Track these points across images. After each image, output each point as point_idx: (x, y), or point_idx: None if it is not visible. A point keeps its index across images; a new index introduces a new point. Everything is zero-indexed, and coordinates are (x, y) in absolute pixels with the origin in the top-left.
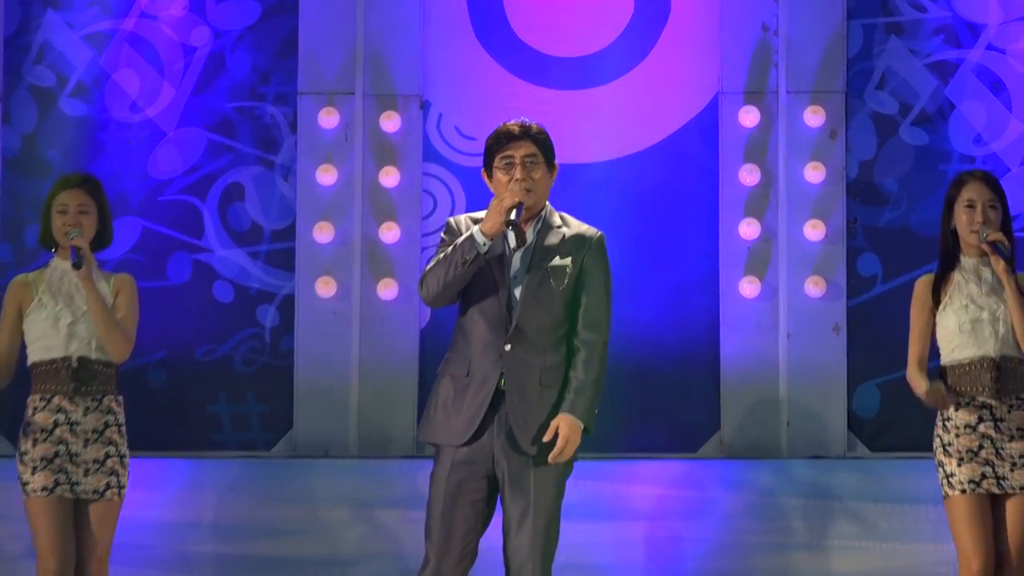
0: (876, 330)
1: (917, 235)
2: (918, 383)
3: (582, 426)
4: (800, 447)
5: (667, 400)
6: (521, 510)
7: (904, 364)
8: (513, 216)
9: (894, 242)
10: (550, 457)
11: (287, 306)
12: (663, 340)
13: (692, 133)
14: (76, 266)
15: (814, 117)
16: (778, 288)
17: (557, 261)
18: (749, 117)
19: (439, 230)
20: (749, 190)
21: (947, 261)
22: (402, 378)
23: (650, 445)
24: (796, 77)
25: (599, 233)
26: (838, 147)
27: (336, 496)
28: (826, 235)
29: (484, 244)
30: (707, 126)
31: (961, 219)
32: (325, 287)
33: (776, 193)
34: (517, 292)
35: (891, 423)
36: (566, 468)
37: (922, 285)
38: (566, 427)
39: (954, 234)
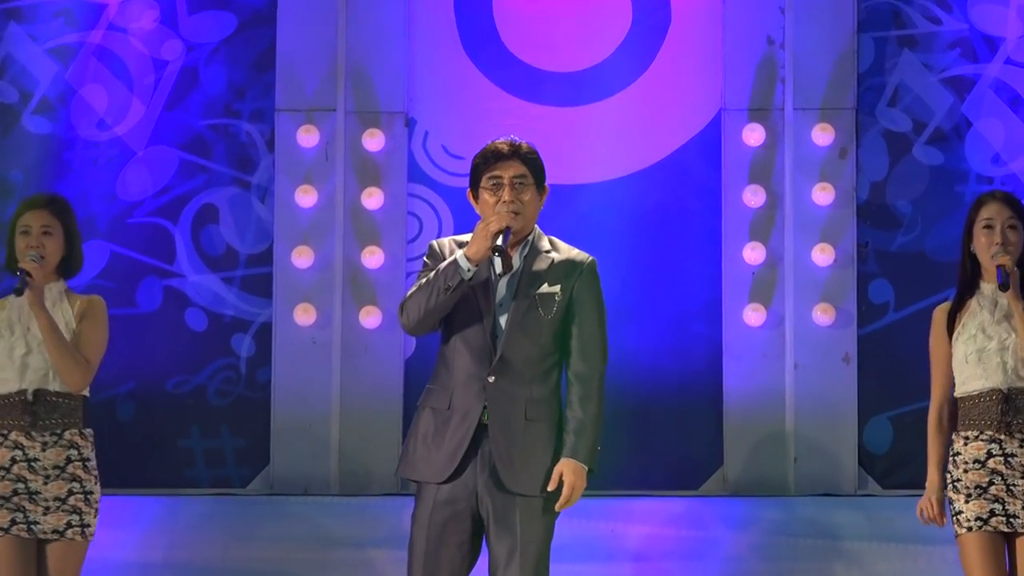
0: (888, 360)
1: (932, 260)
2: (930, 462)
3: (586, 469)
4: (808, 484)
5: (667, 434)
6: (508, 550)
7: (918, 396)
8: (500, 241)
9: (907, 267)
10: (557, 506)
11: (264, 335)
12: (663, 370)
13: (693, 152)
14: (17, 292)
15: (822, 135)
16: (784, 316)
17: (545, 288)
18: (754, 135)
19: (423, 256)
20: (754, 212)
21: (965, 287)
22: (385, 411)
23: (648, 481)
24: (803, 93)
25: (590, 258)
26: (848, 167)
27: (315, 536)
28: (835, 260)
29: (468, 270)
30: (709, 145)
31: (980, 241)
32: (304, 315)
33: (782, 215)
34: (502, 320)
35: (904, 459)
36: (554, 505)
37: (939, 313)
38: (571, 473)
39: (974, 259)
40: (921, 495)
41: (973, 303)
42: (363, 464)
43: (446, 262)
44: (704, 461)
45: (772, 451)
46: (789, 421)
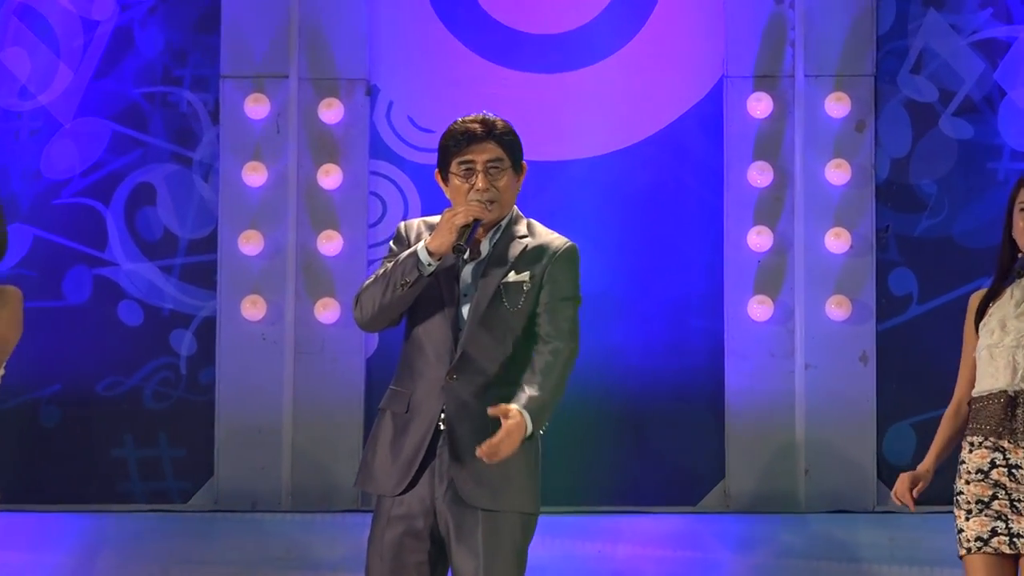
0: (911, 360)
1: (960, 246)
2: (931, 448)
3: (528, 430)
4: (821, 499)
5: (661, 443)
6: (471, 571)
7: (945, 400)
8: (464, 239)
9: (932, 255)
10: (479, 450)
11: (207, 331)
12: (656, 371)
13: (692, 125)
14: None
15: (837, 106)
16: (794, 309)
17: (512, 276)
18: (760, 106)
19: (390, 239)
20: (760, 192)
21: (1003, 276)
22: (344, 416)
23: (640, 496)
24: (816, 58)
25: (569, 243)
26: (866, 141)
27: (265, 557)
28: (851, 246)
29: (428, 265)
30: (710, 116)
31: (1018, 226)
32: (253, 308)
33: (792, 196)
34: (465, 312)
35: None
36: (527, 521)
37: (973, 300)
38: (513, 420)
39: (1015, 245)
40: (948, 512)
41: (1006, 293)
42: (319, 476)
43: (406, 253)
44: (703, 473)
45: (780, 462)
46: (799, 428)
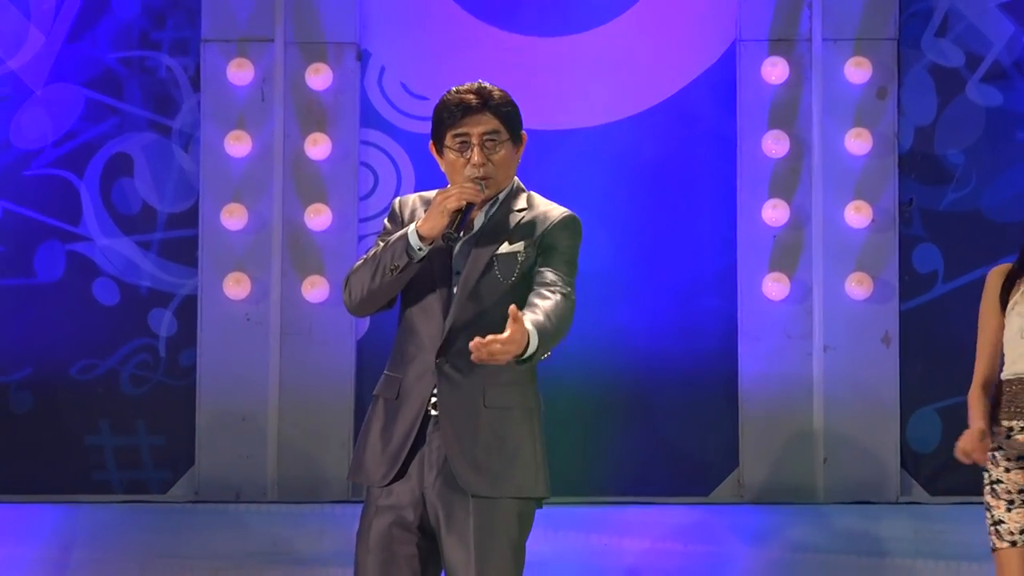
0: (936, 341)
1: (989, 221)
2: (972, 414)
3: (532, 346)
4: (841, 489)
5: (671, 429)
6: (463, 565)
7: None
8: (455, 228)
9: (959, 230)
10: (474, 344)
11: (188, 310)
12: (666, 354)
13: (703, 91)
14: None
15: (857, 71)
16: (812, 288)
17: (506, 248)
18: (775, 71)
19: (382, 213)
20: (775, 163)
21: None
22: (334, 402)
23: (649, 486)
24: (835, 21)
25: (568, 212)
26: (888, 109)
27: (250, 551)
28: (873, 221)
29: (420, 249)
30: (722, 82)
31: None
32: (236, 286)
33: (809, 167)
34: (456, 288)
35: (955, 459)
36: (525, 510)
37: (994, 277)
38: (519, 329)
39: None
40: (975, 503)
41: None
42: (307, 466)
43: (396, 235)
44: (715, 462)
45: (797, 450)
46: (817, 414)
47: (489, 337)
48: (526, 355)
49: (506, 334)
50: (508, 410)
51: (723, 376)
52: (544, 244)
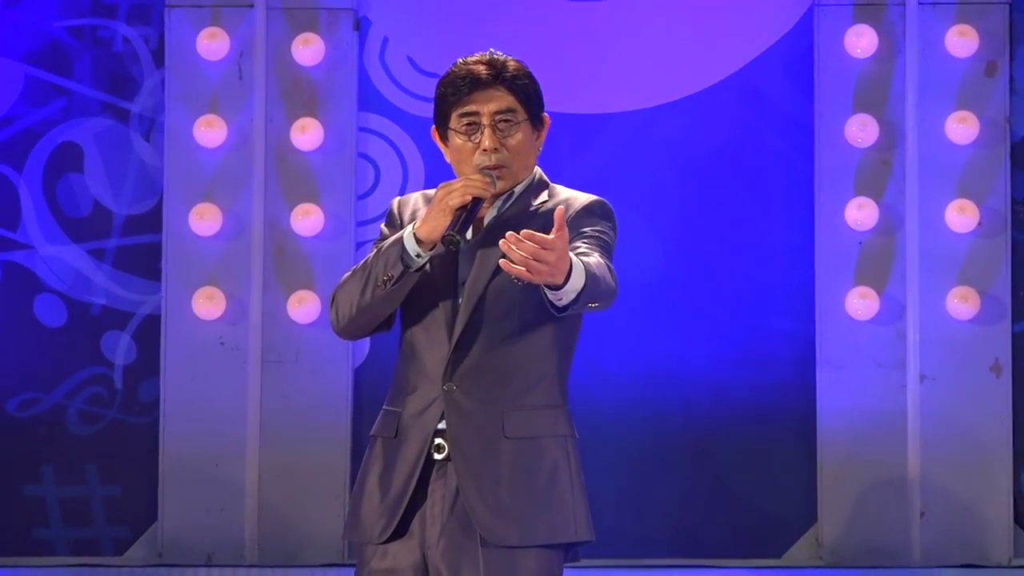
0: None
1: None
2: None
3: (578, 277)
4: (941, 550)
5: (737, 479)
6: None
7: None
8: (457, 229)
9: None
10: (505, 241)
11: (149, 333)
12: (729, 386)
13: (774, 67)
14: None
15: (961, 42)
16: (906, 306)
17: None
18: (862, 42)
19: (384, 215)
20: (861, 154)
21: None
22: (327, 444)
23: (711, 546)
24: None
25: (595, 197)
26: (998, 88)
27: None
28: (980, 224)
29: (418, 256)
30: (797, 56)
31: None
32: (208, 304)
33: (902, 159)
34: (462, 300)
35: None
36: (555, 562)
37: None
38: (563, 234)
39: None
40: None
41: None
42: (293, 522)
43: (390, 240)
44: (789, 517)
45: (888, 503)
46: (913, 459)
47: (525, 231)
48: (566, 286)
49: (550, 236)
50: (535, 440)
51: (798, 413)
52: (570, 229)
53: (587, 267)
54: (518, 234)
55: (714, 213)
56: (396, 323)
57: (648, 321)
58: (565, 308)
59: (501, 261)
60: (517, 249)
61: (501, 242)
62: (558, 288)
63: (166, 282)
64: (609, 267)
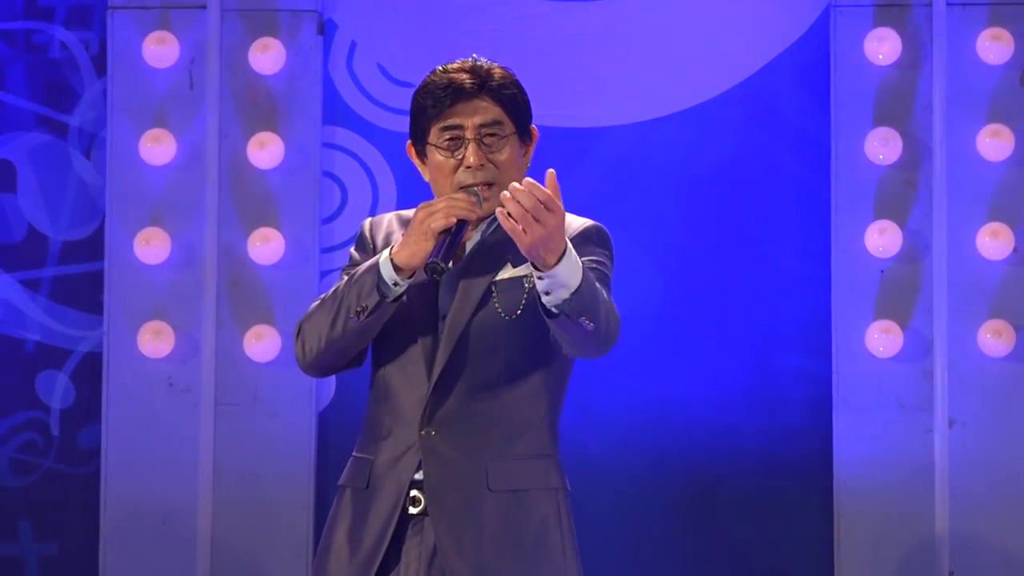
0: None
1: None
2: None
3: (575, 268)
4: None
5: (744, 533)
6: None
7: None
8: (441, 256)
9: None
10: (506, 194)
11: (89, 373)
12: (737, 431)
13: (785, 75)
14: None
15: (995, 47)
16: (933, 341)
17: (508, 272)
18: (884, 47)
19: (352, 241)
20: (883, 172)
21: None
22: (288, 495)
23: None
24: None
25: (591, 222)
26: None
27: None
28: (1015, 250)
29: (395, 284)
30: (812, 62)
31: None
32: (156, 340)
33: (928, 177)
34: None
35: None
36: None
37: None
38: (560, 230)
39: None
40: None
41: None
42: None
43: (364, 266)
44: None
45: (913, 561)
46: (941, 512)
47: (527, 180)
48: (558, 269)
49: (540, 192)
50: (522, 493)
51: (813, 461)
52: None
53: (587, 272)
54: (521, 185)
55: (718, 238)
56: (368, 359)
57: (645, 358)
58: (556, 313)
59: (498, 210)
60: (519, 200)
61: (502, 194)
62: (547, 270)
63: (108, 316)
64: (611, 302)
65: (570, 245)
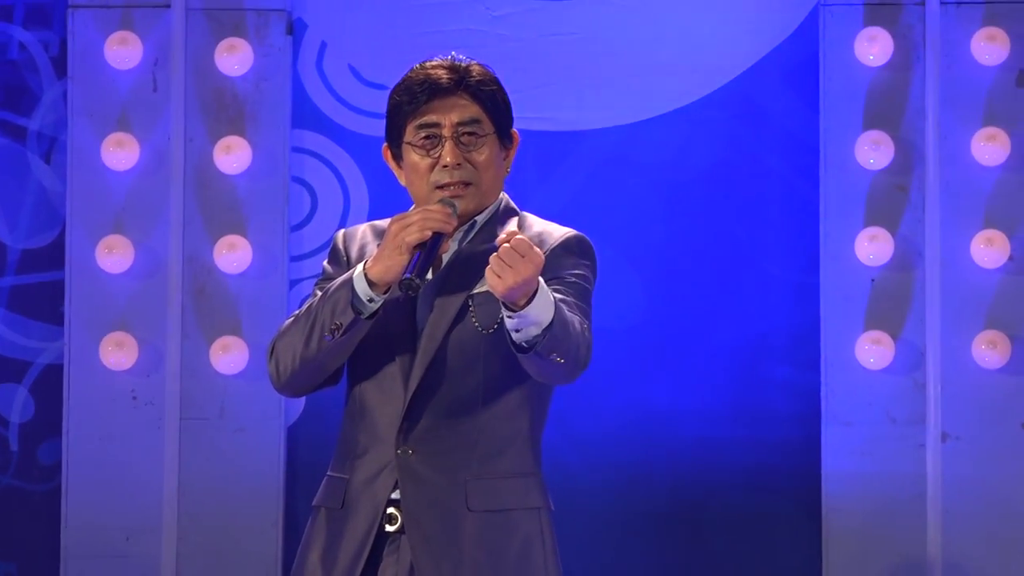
0: None
1: None
2: None
3: (546, 304)
4: None
5: (730, 551)
6: None
7: None
8: (417, 272)
9: None
10: (500, 238)
11: (49, 386)
12: (722, 446)
13: (773, 76)
14: None
15: (990, 48)
16: (925, 352)
17: (485, 285)
18: (876, 47)
19: (323, 249)
20: (874, 177)
21: None
22: (256, 514)
23: None
24: None
25: (573, 232)
26: None
27: None
28: (1011, 258)
29: (370, 300)
30: (801, 63)
31: None
32: (118, 352)
33: (922, 183)
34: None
35: None
36: None
37: None
38: (535, 262)
39: None
40: None
41: None
42: None
43: (338, 282)
44: None
45: None
46: (933, 530)
47: (509, 231)
48: (528, 310)
49: (513, 243)
50: (504, 513)
51: (801, 476)
52: (544, 273)
53: (559, 308)
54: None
55: (704, 245)
56: (342, 378)
57: (627, 370)
58: (526, 348)
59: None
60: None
61: (498, 241)
62: (516, 310)
63: (69, 327)
64: (585, 328)
65: (542, 283)
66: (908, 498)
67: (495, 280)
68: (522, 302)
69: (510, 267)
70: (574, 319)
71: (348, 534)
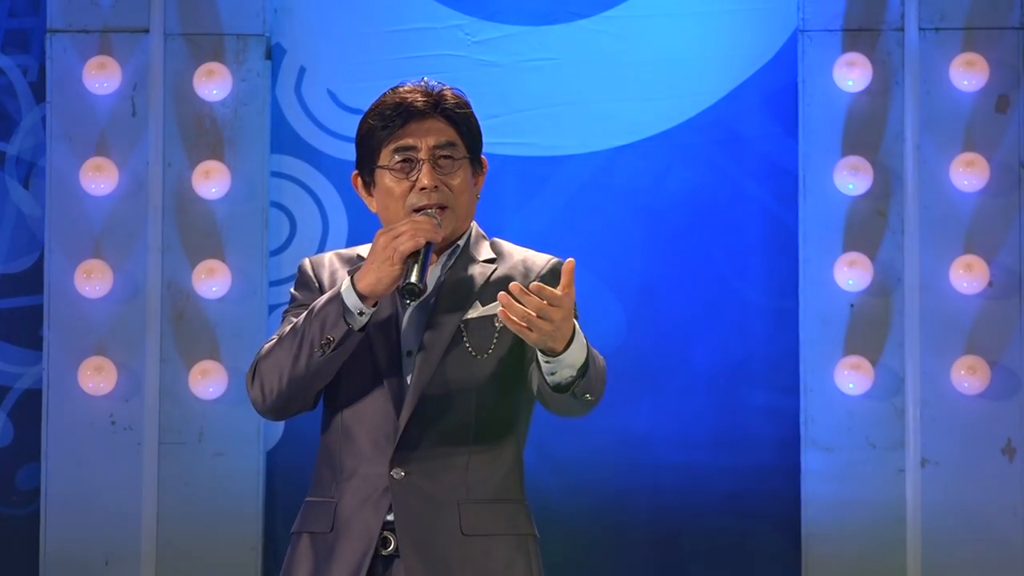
0: None
1: None
2: None
3: (580, 349)
4: None
5: None
6: None
7: None
8: (414, 277)
9: None
10: (506, 294)
11: (28, 411)
12: (700, 472)
13: (753, 100)
14: None
15: (968, 74)
16: (905, 378)
17: (478, 310)
18: (855, 73)
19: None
20: (852, 203)
21: None
22: (235, 538)
23: None
24: (937, 2)
25: (555, 258)
26: (1011, 126)
27: None
28: (991, 284)
29: (360, 314)
30: (780, 88)
31: None
32: (97, 376)
33: (901, 208)
34: (411, 377)
35: None
36: None
37: None
38: (568, 318)
39: None
40: None
41: None
42: None
43: (324, 299)
44: None
45: None
46: (912, 556)
47: (534, 284)
48: (564, 355)
49: (558, 292)
50: (496, 539)
51: (780, 502)
52: None
53: (591, 351)
54: (525, 287)
55: (682, 271)
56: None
57: (607, 396)
58: (561, 388)
59: (499, 310)
60: (521, 302)
61: (501, 294)
62: (555, 355)
63: (48, 351)
64: (604, 362)
65: (578, 327)
66: (888, 523)
67: (527, 334)
68: (559, 348)
69: (542, 318)
70: (598, 356)
71: (340, 558)
